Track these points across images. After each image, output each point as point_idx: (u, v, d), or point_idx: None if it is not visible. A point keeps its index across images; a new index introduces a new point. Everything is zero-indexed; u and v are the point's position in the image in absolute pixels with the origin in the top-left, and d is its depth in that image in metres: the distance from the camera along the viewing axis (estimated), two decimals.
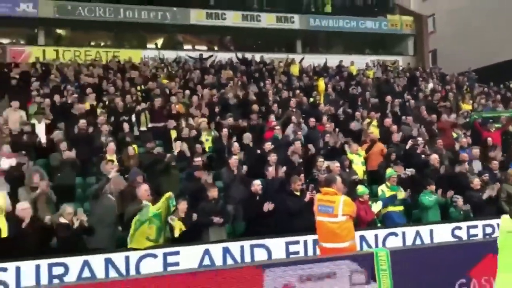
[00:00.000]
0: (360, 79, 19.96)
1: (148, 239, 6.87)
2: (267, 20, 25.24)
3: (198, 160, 8.84)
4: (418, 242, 7.53)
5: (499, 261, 2.79)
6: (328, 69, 22.15)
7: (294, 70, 21.68)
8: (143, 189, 7.13)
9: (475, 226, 7.98)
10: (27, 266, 6.28)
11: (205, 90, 15.29)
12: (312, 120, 12.39)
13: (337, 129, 12.09)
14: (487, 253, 4.99)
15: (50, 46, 22.74)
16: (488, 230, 7.93)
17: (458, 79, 21.42)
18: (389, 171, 8.70)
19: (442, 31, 28.70)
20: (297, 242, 7.28)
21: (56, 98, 13.31)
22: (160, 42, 26.46)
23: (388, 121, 12.72)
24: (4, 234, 6.32)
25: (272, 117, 12.45)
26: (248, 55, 22.62)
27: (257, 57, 22.61)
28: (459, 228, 7.92)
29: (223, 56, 22.75)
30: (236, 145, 9.79)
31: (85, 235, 6.82)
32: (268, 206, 7.53)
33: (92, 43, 25.20)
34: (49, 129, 11.47)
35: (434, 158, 9.48)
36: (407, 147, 10.83)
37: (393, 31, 27.53)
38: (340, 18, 26.41)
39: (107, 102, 13.92)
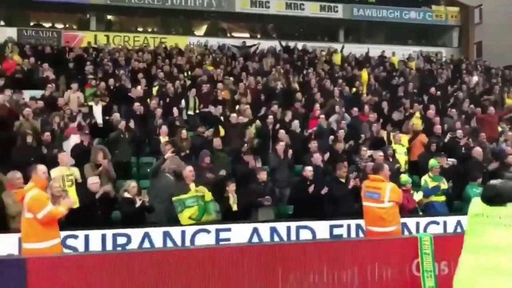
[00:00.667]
0: (403, 69, 19.94)
1: (191, 218, 7.44)
2: (311, 9, 25.36)
3: (246, 145, 9.33)
4: (458, 230, 7.77)
5: (464, 241, 2.89)
6: (370, 59, 22.16)
7: (337, 59, 21.81)
8: (188, 170, 7.62)
9: None
10: (95, 235, 6.96)
11: (250, 77, 15.73)
12: (355, 110, 12.68)
13: (380, 119, 12.31)
14: None
15: (101, 31, 23.66)
16: None
17: (504, 73, 21.04)
18: (432, 161, 8.92)
19: (489, 22, 28.03)
20: (340, 226, 7.68)
21: (111, 82, 14.03)
22: (204, 29, 27.07)
23: (431, 112, 12.85)
24: (76, 205, 6.98)
25: (317, 106, 12.76)
26: (291, 43, 22.90)
27: (300, 45, 22.85)
28: None
29: (265, 44, 23.08)
30: (282, 132, 10.22)
31: (146, 212, 7.41)
32: (323, 190, 7.93)
33: (140, 29, 26.05)
34: (105, 111, 12.24)
35: (477, 151, 9.63)
36: (446, 139, 11.00)
37: (438, 22, 27.14)
38: (384, 8, 26.24)
39: (157, 87, 14.57)
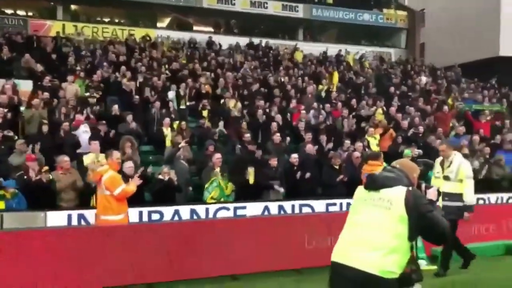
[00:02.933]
0: (360, 69, 21.87)
1: (212, 198, 8.72)
2: (274, 8, 26.79)
3: (247, 136, 10.65)
4: None
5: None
6: (327, 58, 23.93)
7: (298, 56, 23.43)
8: (216, 158, 8.86)
9: None
10: (132, 212, 8.02)
11: (228, 73, 16.92)
12: (327, 106, 14.28)
13: (350, 115, 13.98)
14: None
15: (69, 21, 23.81)
16: (480, 201, 10.01)
17: (446, 74, 23.54)
18: (406, 151, 10.58)
19: (431, 26, 30.71)
20: (334, 204, 9.22)
21: (98, 73, 14.68)
22: (169, 21, 27.76)
23: (393, 109, 14.73)
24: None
25: (294, 102, 14.23)
26: (255, 40, 24.23)
27: (261, 42, 24.18)
28: None
29: (229, 40, 24.26)
30: (274, 124, 11.61)
31: (176, 191, 8.56)
32: (306, 175, 9.44)
33: (106, 19, 26.34)
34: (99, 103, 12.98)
35: (439, 142, 11.47)
36: (409, 133, 12.87)
37: (388, 24, 29.49)
38: (340, 10, 28.16)
39: (141, 80, 15.40)
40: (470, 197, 6.60)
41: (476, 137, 12.73)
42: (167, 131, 11.44)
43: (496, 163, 11.17)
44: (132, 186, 6.75)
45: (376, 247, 2.87)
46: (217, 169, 8.71)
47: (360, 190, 3.19)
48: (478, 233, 8.35)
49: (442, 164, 6.91)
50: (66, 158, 7.93)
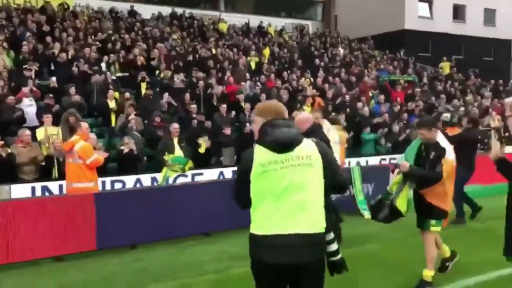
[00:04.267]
0: (283, 41, 22.78)
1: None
2: None
3: (193, 107, 11.13)
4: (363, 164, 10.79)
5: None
6: (250, 30, 24.50)
7: (223, 27, 23.78)
8: (174, 128, 9.27)
9: (394, 158, 11.50)
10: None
11: (159, 44, 16.96)
12: (262, 77, 15.06)
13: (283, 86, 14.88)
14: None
15: None
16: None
17: (361, 46, 25.29)
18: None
19: None
20: None
21: (26, 45, 14.08)
22: None
23: (319, 80, 15.88)
24: None
25: (228, 73, 14.80)
26: (178, 10, 24.12)
27: (185, 12, 24.14)
28: (384, 159, 11.39)
29: (150, 10, 23.91)
30: (216, 94, 12.16)
31: (136, 161, 8.90)
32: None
33: None
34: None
35: (366, 110, 12.81)
36: (337, 102, 14.10)
37: None
38: None
39: (73, 52, 15.02)
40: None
41: (396, 104, 14.27)
42: (111, 103, 11.53)
43: (413, 127, 12.70)
44: (101, 157, 7.05)
45: (312, 206, 2.70)
46: (175, 139, 9.13)
47: (264, 155, 2.70)
48: None
49: None
50: (27, 132, 7.93)
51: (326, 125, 6.85)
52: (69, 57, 14.00)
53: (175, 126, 9.27)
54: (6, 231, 5.68)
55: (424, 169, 4.65)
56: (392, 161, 11.13)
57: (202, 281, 5.19)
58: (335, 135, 6.97)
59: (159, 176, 8.09)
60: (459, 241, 6.10)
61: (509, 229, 3.98)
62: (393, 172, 4.91)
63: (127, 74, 14.46)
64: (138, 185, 8.63)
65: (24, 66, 12.43)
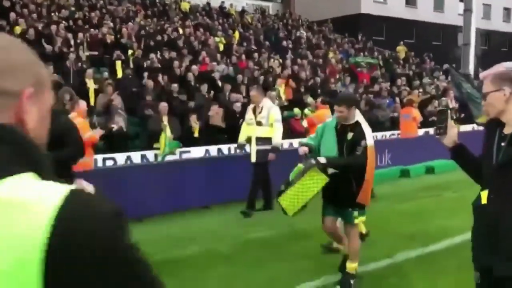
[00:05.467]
0: (247, 22, 23.05)
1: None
2: None
3: (175, 86, 11.34)
4: None
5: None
6: (212, 9, 24.50)
7: (185, 6, 23.67)
8: (162, 106, 9.47)
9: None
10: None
11: (129, 23, 16.81)
12: (234, 57, 15.36)
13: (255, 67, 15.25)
14: None
15: None
16: None
17: (321, 28, 25.98)
18: (310, 99, 12.32)
19: None
20: None
21: None
22: None
23: (288, 62, 16.40)
24: None
25: (204, 53, 15.00)
26: None
27: None
28: None
29: None
30: (190, 74, 12.39)
31: (126, 139, 9.07)
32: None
33: None
34: None
35: (345, 92, 13.42)
36: (309, 84, 14.68)
37: None
38: None
39: (40, 28, 14.64)
40: (278, 139, 6.91)
41: (361, 85, 15.04)
42: (90, 82, 11.49)
43: (379, 107, 13.51)
44: (96, 135, 7.24)
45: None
46: (165, 117, 9.35)
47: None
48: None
49: (254, 110, 7.14)
50: None
51: (267, 104, 7.02)
52: (38, 34, 13.67)
53: (163, 104, 9.48)
54: None
55: (343, 154, 4.17)
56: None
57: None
58: (277, 113, 7.04)
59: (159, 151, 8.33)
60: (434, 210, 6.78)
61: None
62: (305, 155, 4.34)
63: (95, 53, 14.32)
64: (128, 162, 8.82)
65: None
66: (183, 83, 12.64)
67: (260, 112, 6.98)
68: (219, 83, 12.65)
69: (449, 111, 2.57)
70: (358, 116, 4.24)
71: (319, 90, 13.94)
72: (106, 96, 10.50)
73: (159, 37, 16.18)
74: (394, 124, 12.98)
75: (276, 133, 6.86)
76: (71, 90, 9.80)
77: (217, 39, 18.42)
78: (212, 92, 11.79)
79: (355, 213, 4.23)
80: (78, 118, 6.96)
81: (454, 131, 2.49)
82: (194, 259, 5.14)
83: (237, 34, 19.27)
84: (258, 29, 21.65)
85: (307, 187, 4.10)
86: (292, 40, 21.23)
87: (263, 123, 6.93)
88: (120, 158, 8.74)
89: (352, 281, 4.30)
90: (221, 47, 17.64)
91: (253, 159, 7.00)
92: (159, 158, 8.29)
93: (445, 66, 20.58)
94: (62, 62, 12.21)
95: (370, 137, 4.19)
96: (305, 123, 11.54)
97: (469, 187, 2.91)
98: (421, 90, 15.95)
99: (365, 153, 4.08)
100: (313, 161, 4.11)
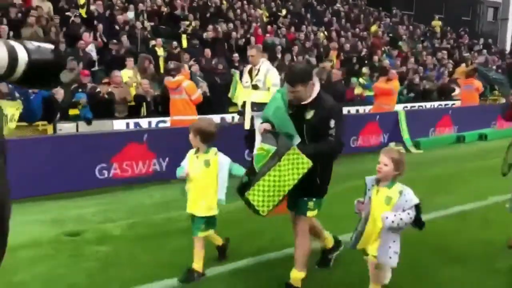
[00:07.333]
0: None
1: None
2: None
3: (236, 56, 12.09)
4: None
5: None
6: None
7: None
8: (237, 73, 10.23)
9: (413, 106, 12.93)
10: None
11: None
12: (283, 30, 15.99)
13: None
14: None
15: None
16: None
17: (357, 2, 26.25)
18: (365, 69, 12.95)
19: None
20: None
21: None
22: None
23: (334, 35, 17.00)
24: None
25: (255, 25, 15.64)
26: None
27: None
28: (406, 107, 12.79)
29: None
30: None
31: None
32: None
33: None
34: None
35: (387, 62, 14.09)
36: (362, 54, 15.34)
37: None
38: None
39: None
40: None
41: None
42: (159, 50, 12.28)
43: (427, 78, 14.14)
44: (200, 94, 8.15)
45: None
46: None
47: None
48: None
49: (250, 72, 6.52)
50: (117, 73, 8.79)
51: (264, 66, 6.40)
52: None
53: (236, 71, 10.20)
54: None
55: (304, 139, 3.16)
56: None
57: None
58: (275, 77, 6.39)
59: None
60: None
61: None
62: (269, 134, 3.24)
63: (151, 23, 14.93)
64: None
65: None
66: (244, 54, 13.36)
67: (256, 75, 6.37)
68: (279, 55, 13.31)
69: None
70: (317, 89, 3.19)
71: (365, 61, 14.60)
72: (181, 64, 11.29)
73: (211, 9, 16.75)
74: (440, 94, 13.66)
75: None
76: (149, 57, 10.78)
77: (260, 11, 18.96)
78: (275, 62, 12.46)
79: (310, 204, 3.30)
80: (185, 79, 7.85)
81: None
82: None
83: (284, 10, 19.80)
84: (297, 2, 22.09)
85: (285, 175, 3.07)
86: (331, 14, 21.67)
87: (260, 86, 6.32)
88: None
89: None
90: (265, 19, 18.20)
91: (247, 125, 6.46)
92: None
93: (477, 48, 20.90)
94: (131, 32, 12.92)
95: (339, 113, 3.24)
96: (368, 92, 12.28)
97: None
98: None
99: (338, 136, 3.11)
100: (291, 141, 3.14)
